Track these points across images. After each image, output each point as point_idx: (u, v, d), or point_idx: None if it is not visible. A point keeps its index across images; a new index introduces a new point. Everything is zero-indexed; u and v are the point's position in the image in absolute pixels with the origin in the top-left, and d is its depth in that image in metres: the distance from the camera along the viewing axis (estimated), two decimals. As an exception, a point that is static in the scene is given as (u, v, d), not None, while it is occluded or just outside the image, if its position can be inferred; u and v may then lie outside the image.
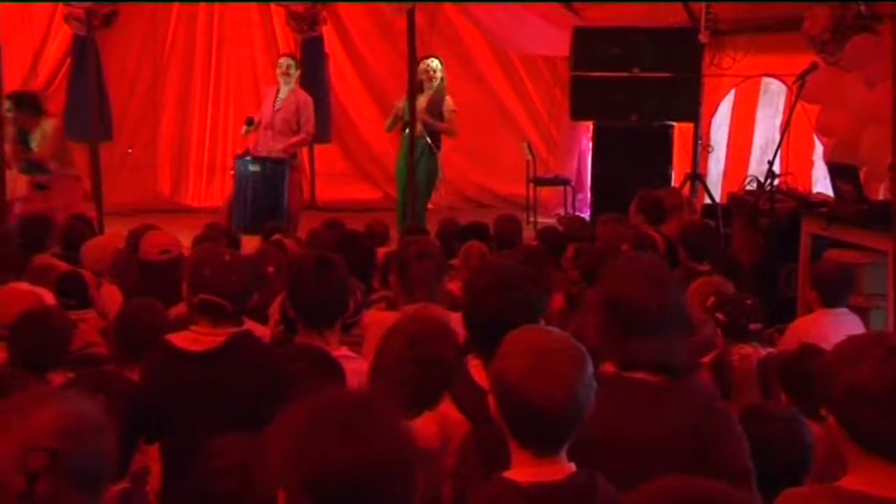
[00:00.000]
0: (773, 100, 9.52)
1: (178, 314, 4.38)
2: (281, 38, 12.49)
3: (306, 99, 9.99)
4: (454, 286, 5.17)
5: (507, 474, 2.39)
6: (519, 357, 2.39)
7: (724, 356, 4.25)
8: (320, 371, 3.39)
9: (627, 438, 2.70)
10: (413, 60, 9.19)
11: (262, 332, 4.17)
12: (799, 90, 7.51)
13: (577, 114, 10.52)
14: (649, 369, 2.76)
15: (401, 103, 9.99)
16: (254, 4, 12.35)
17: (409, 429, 1.91)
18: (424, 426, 2.95)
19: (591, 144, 10.99)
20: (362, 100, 12.56)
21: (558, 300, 5.43)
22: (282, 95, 9.78)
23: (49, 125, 8.82)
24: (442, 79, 10.03)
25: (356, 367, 3.53)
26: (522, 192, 11.59)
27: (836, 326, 4.94)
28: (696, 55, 9.81)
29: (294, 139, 9.80)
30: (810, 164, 8.67)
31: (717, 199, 9.40)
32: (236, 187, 9.65)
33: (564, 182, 11.71)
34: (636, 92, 9.92)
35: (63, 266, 5.73)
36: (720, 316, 4.55)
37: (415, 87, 9.31)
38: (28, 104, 8.86)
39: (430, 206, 10.63)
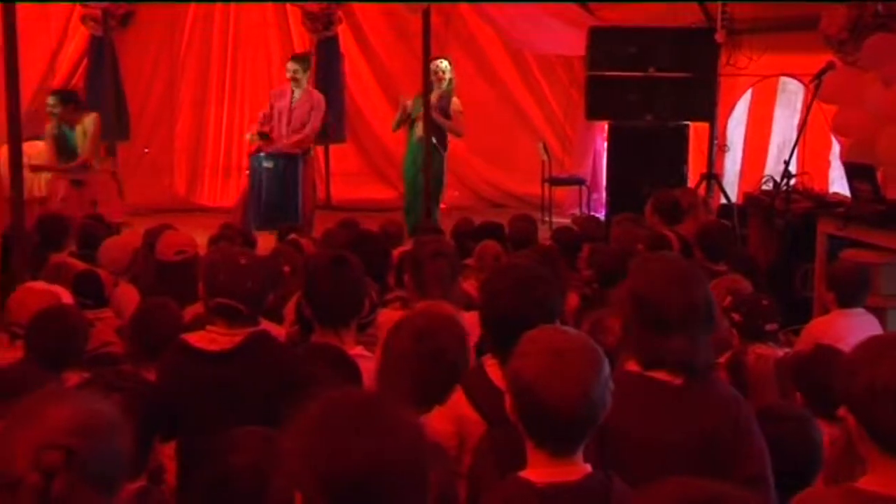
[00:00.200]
0: (790, 99, 9.49)
1: (194, 314, 4.40)
2: (296, 37, 12.51)
3: (319, 98, 10.06)
4: (469, 286, 5.17)
5: (523, 474, 2.39)
6: (535, 357, 2.39)
7: (740, 356, 4.23)
8: (338, 370, 3.40)
9: (646, 439, 2.70)
10: (427, 60, 9.19)
11: (278, 331, 4.17)
12: (816, 90, 7.48)
13: (593, 113, 10.51)
14: (672, 368, 2.76)
15: (407, 101, 10.03)
16: (269, 4, 12.38)
17: (421, 426, 1.91)
18: (437, 423, 2.95)
19: (606, 144, 10.96)
20: (377, 99, 12.58)
21: (573, 300, 5.42)
22: (296, 96, 9.83)
23: (90, 121, 8.89)
24: (450, 80, 10.04)
25: (372, 367, 3.53)
26: (538, 191, 11.58)
27: (853, 327, 4.92)
28: (712, 55, 9.78)
29: (298, 135, 9.88)
30: (827, 163, 8.64)
31: (734, 199, 9.37)
32: (251, 184, 9.72)
33: (580, 182, 11.70)
34: (652, 92, 9.90)
35: (79, 265, 5.75)
36: (736, 316, 4.53)
37: (429, 87, 9.31)
38: (71, 100, 8.96)
39: (442, 206, 10.64)
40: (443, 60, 9.95)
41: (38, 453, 1.81)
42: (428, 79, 9.21)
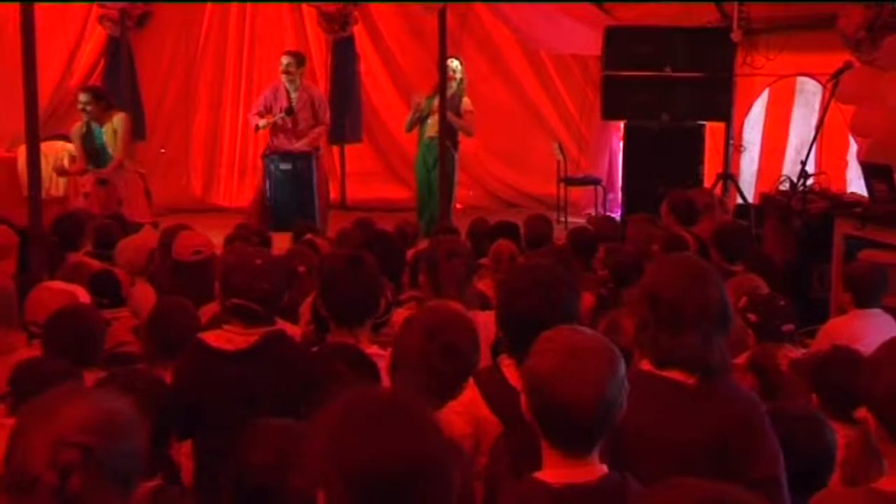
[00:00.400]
0: (808, 99, 9.45)
1: (210, 313, 4.41)
2: (312, 38, 12.53)
3: (319, 93, 10.16)
4: (484, 285, 5.17)
5: (538, 475, 2.39)
6: (550, 356, 2.39)
7: (765, 358, 4.18)
8: (356, 369, 3.40)
9: (658, 439, 2.69)
10: (443, 60, 9.20)
11: (294, 331, 4.19)
12: (833, 89, 7.45)
13: (609, 113, 10.49)
14: (685, 367, 2.75)
15: (420, 100, 10.03)
16: (285, 5, 12.40)
17: (442, 424, 1.92)
18: (452, 420, 2.94)
19: (622, 144, 10.95)
20: (393, 99, 12.58)
21: (588, 300, 5.41)
22: (294, 95, 9.84)
23: (119, 121, 8.91)
24: (461, 80, 10.04)
25: (388, 366, 3.53)
26: (553, 191, 11.56)
27: (870, 327, 4.90)
28: (728, 54, 9.75)
29: (314, 133, 9.92)
30: (845, 163, 8.60)
31: (750, 200, 9.34)
32: (266, 185, 9.72)
33: (595, 182, 11.67)
34: (668, 91, 9.89)
35: (96, 265, 5.77)
36: (752, 317, 4.51)
37: (445, 87, 9.31)
38: (103, 97, 8.99)
39: (458, 206, 10.65)
40: (453, 60, 9.93)
41: (55, 451, 1.82)
42: (444, 79, 9.21)
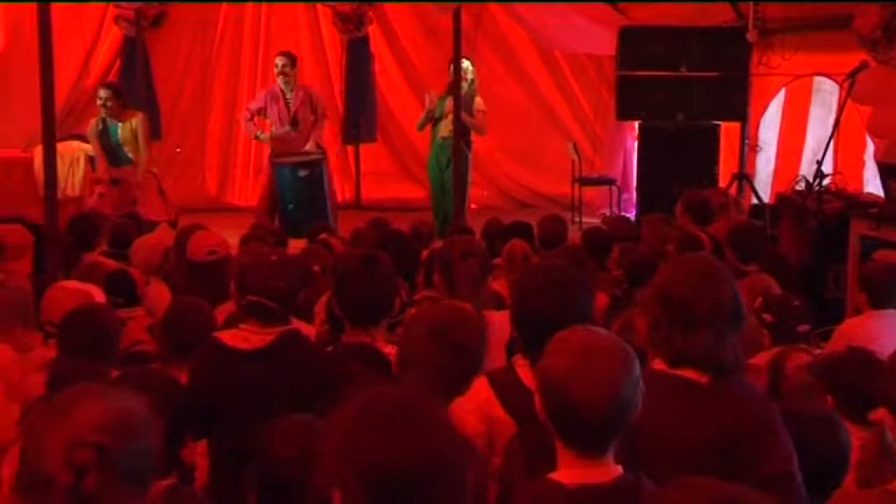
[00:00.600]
0: (826, 99, 9.40)
1: (225, 313, 4.42)
2: (327, 38, 12.56)
3: (315, 90, 10.22)
4: (498, 285, 5.17)
5: (553, 476, 2.38)
6: (564, 356, 2.39)
7: (783, 362, 4.15)
8: (373, 368, 3.41)
9: (671, 438, 2.68)
10: (458, 60, 9.20)
11: (308, 330, 4.19)
12: (849, 89, 7.41)
13: (623, 113, 10.47)
14: (698, 365, 2.75)
15: (432, 101, 10.03)
16: (300, 5, 12.42)
17: (456, 424, 1.92)
18: (464, 420, 2.94)
19: (636, 144, 10.93)
20: (407, 99, 12.59)
21: (603, 300, 5.40)
22: (289, 97, 9.83)
23: (138, 122, 8.95)
24: (472, 80, 10.04)
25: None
26: (567, 192, 11.56)
27: (885, 328, 4.88)
28: (743, 54, 9.72)
29: (319, 130, 9.95)
30: (861, 163, 8.56)
31: (766, 200, 9.31)
32: (281, 193, 9.68)
33: (610, 182, 11.66)
34: (683, 91, 9.86)
35: (111, 264, 5.80)
36: (768, 317, 4.50)
37: (459, 87, 9.31)
38: (122, 94, 9.04)
39: (472, 206, 10.64)
40: (464, 60, 9.93)
41: (70, 451, 1.82)
42: (458, 78, 9.21)
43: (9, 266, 5.74)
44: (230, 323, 3.90)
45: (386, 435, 1.79)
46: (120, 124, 8.86)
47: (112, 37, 11.65)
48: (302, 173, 9.59)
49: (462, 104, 9.66)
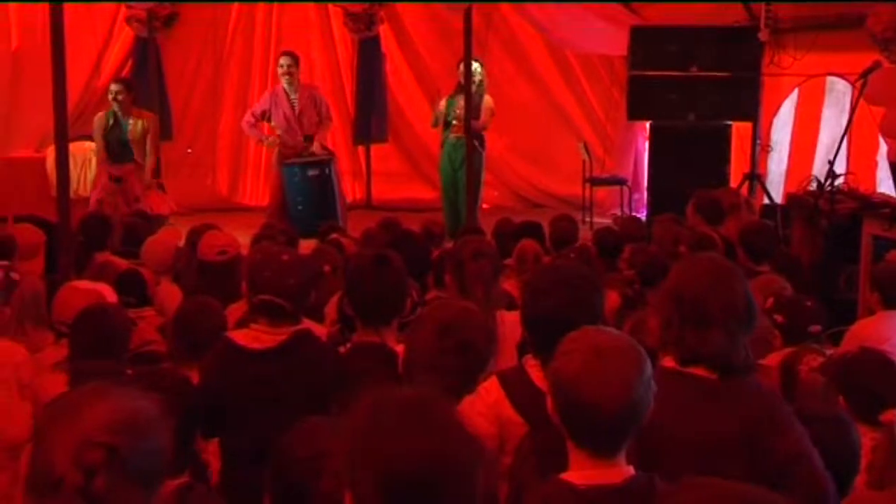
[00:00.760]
0: (839, 99, 9.38)
1: (236, 313, 4.43)
2: (338, 38, 12.57)
3: (318, 91, 10.18)
4: (509, 285, 5.16)
5: (564, 476, 2.38)
6: (576, 356, 2.38)
7: (795, 363, 4.13)
8: (385, 368, 3.41)
9: (681, 436, 2.68)
10: (469, 60, 9.19)
11: (319, 330, 4.19)
12: (861, 89, 7.39)
13: (635, 113, 10.46)
14: (709, 365, 2.74)
15: (441, 103, 10.03)
16: (311, 5, 12.43)
17: (467, 423, 1.92)
18: (475, 420, 2.93)
19: (647, 144, 10.91)
20: (418, 99, 12.59)
21: (613, 299, 5.39)
22: (294, 98, 9.82)
23: (150, 123, 9.00)
24: (481, 81, 10.03)
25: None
26: (578, 192, 11.54)
27: (898, 329, 4.86)
28: (755, 54, 9.70)
29: (324, 131, 9.94)
30: (874, 164, 8.53)
31: (777, 200, 9.28)
32: (290, 193, 9.68)
33: (621, 182, 11.64)
34: (694, 91, 9.84)
35: (123, 264, 5.81)
36: (779, 318, 4.48)
37: (471, 87, 9.30)
38: (133, 90, 9.07)
39: (484, 206, 10.63)
40: (472, 61, 9.92)
41: (80, 451, 1.82)
42: (469, 78, 9.21)
43: (21, 265, 5.75)
44: (241, 323, 3.91)
45: (398, 436, 1.79)
46: (131, 121, 8.89)
47: (124, 37, 11.67)
48: (311, 173, 9.59)
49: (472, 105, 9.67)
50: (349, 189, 11.26)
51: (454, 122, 10.02)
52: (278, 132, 9.90)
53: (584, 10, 10.72)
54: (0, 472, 3.85)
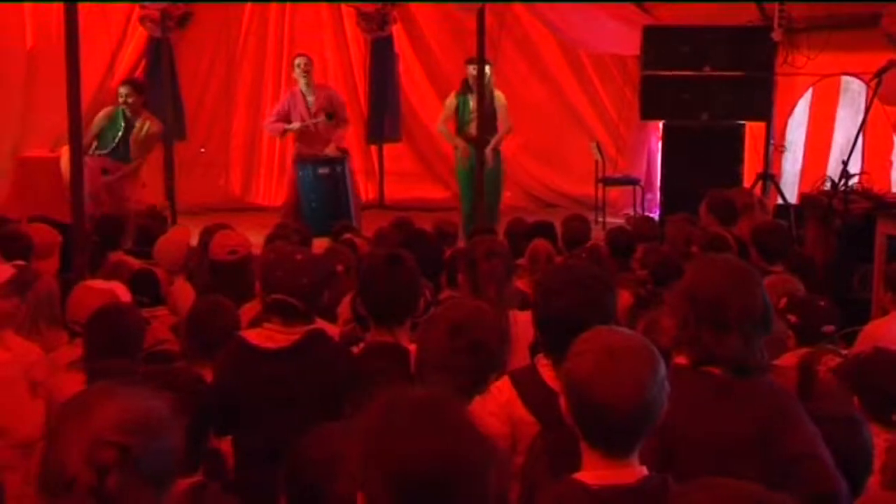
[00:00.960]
0: (854, 99, 9.34)
1: (248, 312, 4.43)
2: (351, 38, 12.58)
3: (335, 92, 10.19)
4: (521, 285, 5.16)
5: (577, 476, 2.37)
6: (589, 356, 2.38)
7: (813, 363, 4.11)
8: (399, 368, 3.41)
9: (695, 435, 2.68)
10: (482, 60, 9.18)
11: (332, 330, 4.20)
12: (876, 88, 7.36)
13: (647, 113, 10.44)
14: (724, 366, 2.74)
15: (450, 102, 10.01)
16: (324, 5, 12.45)
17: (479, 423, 1.92)
18: (486, 420, 2.93)
19: (660, 144, 10.89)
20: (431, 99, 12.58)
21: (626, 298, 5.38)
22: (310, 100, 9.83)
23: (154, 128, 9.04)
24: (488, 82, 10.00)
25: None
26: (591, 192, 11.53)
27: (913, 329, 4.84)
28: (768, 53, 9.66)
29: (340, 132, 9.94)
30: (889, 163, 8.50)
31: (791, 200, 9.25)
32: (303, 192, 9.70)
33: (634, 182, 11.63)
34: (707, 91, 9.82)
35: (136, 263, 5.83)
36: (792, 318, 4.47)
37: (483, 87, 9.29)
38: (142, 91, 9.11)
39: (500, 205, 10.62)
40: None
41: (92, 451, 1.83)
42: (482, 79, 9.20)
43: (36, 265, 5.77)
44: (255, 322, 3.91)
45: (410, 436, 1.79)
46: (138, 122, 8.94)
47: (137, 37, 11.69)
48: (321, 171, 9.60)
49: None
50: (362, 189, 11.26)
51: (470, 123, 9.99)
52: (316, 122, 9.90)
53: (596, 10, 10.70)
54: (12, 471, 3.85)
